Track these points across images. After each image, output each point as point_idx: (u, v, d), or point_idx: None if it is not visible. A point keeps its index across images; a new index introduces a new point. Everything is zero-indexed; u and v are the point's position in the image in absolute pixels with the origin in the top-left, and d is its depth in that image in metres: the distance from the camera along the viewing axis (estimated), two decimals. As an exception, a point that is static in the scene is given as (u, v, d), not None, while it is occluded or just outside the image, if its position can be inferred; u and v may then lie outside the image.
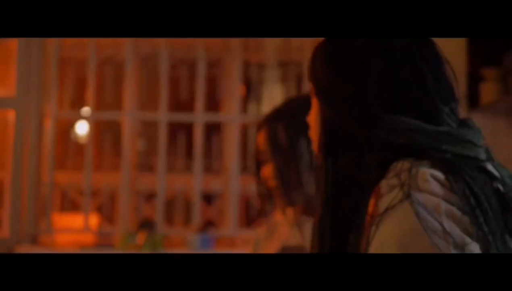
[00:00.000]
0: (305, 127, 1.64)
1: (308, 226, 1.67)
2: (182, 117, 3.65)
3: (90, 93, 3.44)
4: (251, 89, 4.11)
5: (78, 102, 4.18)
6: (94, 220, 3.73)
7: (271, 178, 1.69)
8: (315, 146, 1.10)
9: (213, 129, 4.18)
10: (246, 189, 3.80)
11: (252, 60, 3.99)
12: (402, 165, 0.97)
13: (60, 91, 3.90)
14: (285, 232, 1.74)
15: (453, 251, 0.90)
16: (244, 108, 4.04)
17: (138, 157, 4.33)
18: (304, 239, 1.66)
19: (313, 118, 1.11)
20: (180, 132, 4.34)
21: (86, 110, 3.58)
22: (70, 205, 4.36)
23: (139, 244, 3.19)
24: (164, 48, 3.47)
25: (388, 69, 1.03)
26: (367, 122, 1.00)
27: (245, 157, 4.00)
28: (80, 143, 4.71)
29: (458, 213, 0.93)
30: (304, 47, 3.56)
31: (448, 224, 0.92)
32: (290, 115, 1.67)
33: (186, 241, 3.31)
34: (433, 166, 0.96)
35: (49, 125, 3.42)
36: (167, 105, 3.46)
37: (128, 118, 3.49)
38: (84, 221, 3.39)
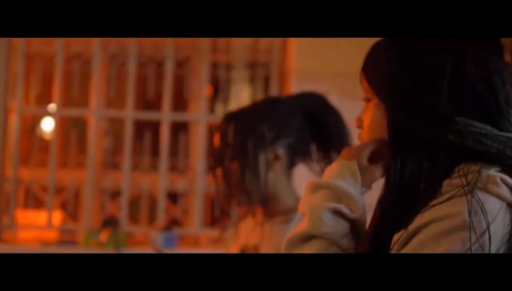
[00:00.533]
0: (254, 129, 1.67)
1: (269, 226, 1.70)
2: (149, 115, 3.65)
3: (57, 89, 3.43)
4: (219, 90, 4.12)
5: (45, 98, 4.15)
6: (57, 217, 3.71)
7: (221, 177, 1.72)
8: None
9: (179, 129, 4.18)
10: (211, 188, 3.81)
11: (220, 61, 4.00)
12: (469, 167, 0.96)
13: (26, 87, 3.87)
14: (246, 233, 1.77)
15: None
16: (211, 108, 4.05)
17: (104, 154, 4.31)
18: (264, 239, 1.69)
19: (368, 120, 1.08)
20: (146, 130, 4.32)
21: (52, 106, 3.56)
22: (33, 202, 4.32)
23: (102, 242, 3.18)
24: (132, 46, 3.46)
25: (458, 71, 1.00)
26: (439, 125, 0.98)
27: (211, 156, 4.01)
28: (46, 140, 4.67)
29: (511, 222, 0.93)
30: (272, 49, 3.58)
31: (494, 230, 0.92)
32: (241, 116, 1.71)
33: (150, 239, 3.31)
34: (503, 171, 0.96)
35: (14, 121, 3.39)
36: (134, 103, 3.46)
37: (95, 115, 3.48)
38: (47, 218, 3.37)
